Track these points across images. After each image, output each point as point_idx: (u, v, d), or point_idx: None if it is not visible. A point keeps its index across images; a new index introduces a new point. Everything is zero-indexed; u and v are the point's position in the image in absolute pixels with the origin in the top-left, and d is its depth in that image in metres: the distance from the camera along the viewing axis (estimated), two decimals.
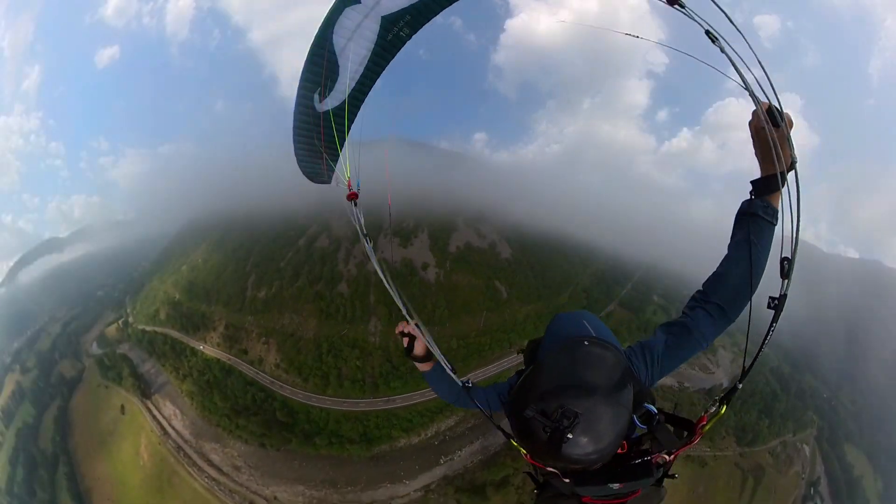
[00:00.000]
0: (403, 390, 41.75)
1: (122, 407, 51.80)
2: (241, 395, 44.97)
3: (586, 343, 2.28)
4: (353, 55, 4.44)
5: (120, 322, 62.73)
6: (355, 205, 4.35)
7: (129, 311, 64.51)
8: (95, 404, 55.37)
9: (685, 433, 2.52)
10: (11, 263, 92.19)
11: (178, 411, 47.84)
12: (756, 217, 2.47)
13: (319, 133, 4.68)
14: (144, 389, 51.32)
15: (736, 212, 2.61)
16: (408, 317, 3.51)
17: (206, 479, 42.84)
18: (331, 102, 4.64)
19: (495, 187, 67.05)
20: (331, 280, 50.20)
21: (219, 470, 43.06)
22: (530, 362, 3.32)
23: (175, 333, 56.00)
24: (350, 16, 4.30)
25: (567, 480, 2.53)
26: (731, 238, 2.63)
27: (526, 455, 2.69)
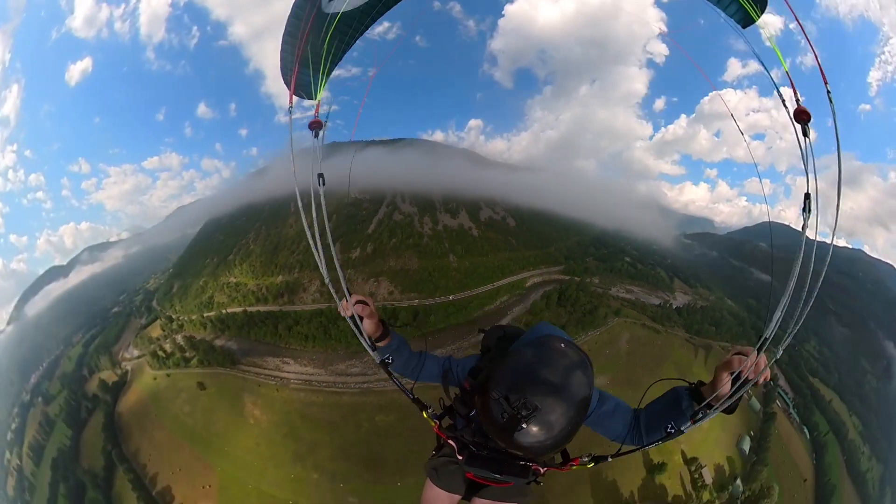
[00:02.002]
0: (480, 284, 54.44)
1: (201, 384, 45.13)
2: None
3: (562, 344, 2.13)
4: None
5: (163, 318, 54.01)
6: (316, 136, 3.34)
7: (165, 309, 56.02)
8: (155, 396, 47.44)
9: (560, 460, 2.65)
10: (11, 307, 76.76)
11: (287, 360, 44.57)
12: (682, 416, 2.51)
13: (320, 38, 3.44)
14: (233, 357, 45.35)
15: (669, 393, 2.62)
16: (346, 293, 2.99)
17: (355, 387, 40.90)
18: (342, 4, 3.44)
19: (501, 181, 77.42)
20: (418, 236, 59.32)
21: (364, 375, 41.44)
22: (497, 347, 3.10)
23: (249, 308, 52.09)
24: None
25: (461, 458, 2.62)
26: (658, 410, 2.64)
27: (435, 427, 2.81)
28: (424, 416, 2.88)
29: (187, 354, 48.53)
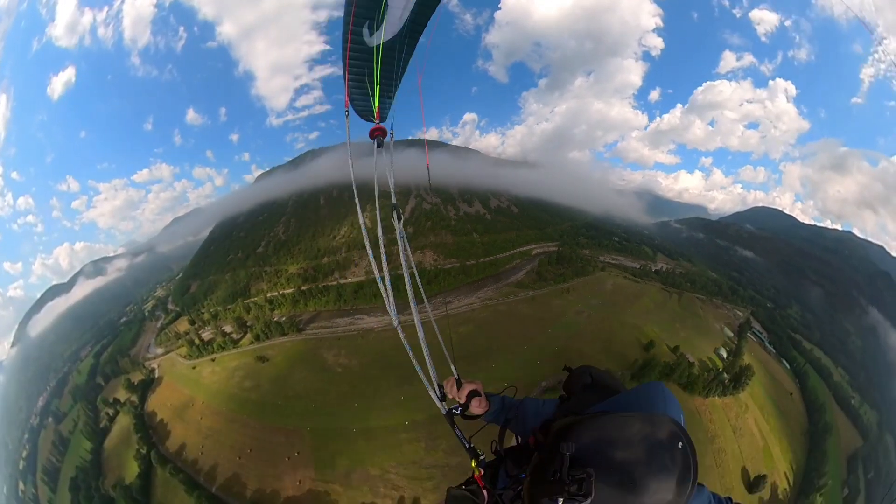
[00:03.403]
0: (499, 252, 60.10)
1: (261, 358, 41.51)
2: (424, 275, 50.57)
3: (680, 445, 1.49)
4: None
5: (189, 314, 48.12)
6: (379, 145, 3.37)
7: (188, 306, 50.40)
8: (197, 384, 42.68)
9: None
10: (11, 336, 67.84)
11: (359, 317, 45.06)
12: None
13: (372, 68, 3.59)
14: (297, 326, 41.70)
15: None
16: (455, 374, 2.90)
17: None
18: (382, 35, 3.57)
19: (504, 176, 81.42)
20: (447, 219, 65.24)
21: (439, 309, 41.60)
22: (581, 396, 2.48)
23: (303, 287, 50.73)
24: None
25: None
26: None
27: (477, 476, 2.38)
28: (473, 465, 2.53)
29: (234, 336, 42.62)
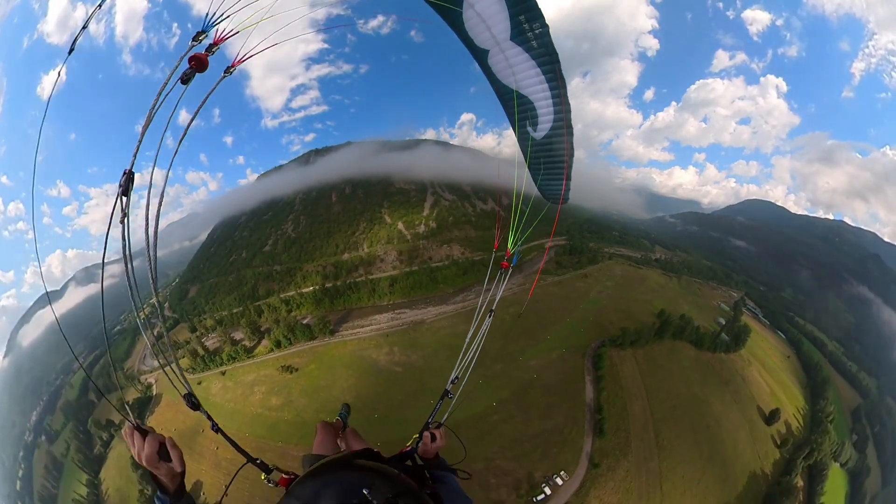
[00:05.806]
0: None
1: (288, 367, 35.80)
2: (459, 266, 48.89)
3: None
4: (525, 79, 3.30)
5: (189, 320, 40.91)
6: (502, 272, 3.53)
7: (187, 311, 43.39)
8: (206, 405, 30.93)
9: None
10: (4, 347, 60.36)
11: (401, 311, 40.08)
12: None
13: (549, 157, 3.68)
14: (328, 327, 35.89)
15: None
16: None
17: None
18: (542, 128, 3.54)
19: (510, 175, 78.68)
20: (467, 215, 62.61)
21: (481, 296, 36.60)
22: None
23: (327, 285, 45.61)
24: (488, 58, 3.26)
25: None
26: None
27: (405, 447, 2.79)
28: (414, 437, 2.90)
29: (247, 343, 35.46)
